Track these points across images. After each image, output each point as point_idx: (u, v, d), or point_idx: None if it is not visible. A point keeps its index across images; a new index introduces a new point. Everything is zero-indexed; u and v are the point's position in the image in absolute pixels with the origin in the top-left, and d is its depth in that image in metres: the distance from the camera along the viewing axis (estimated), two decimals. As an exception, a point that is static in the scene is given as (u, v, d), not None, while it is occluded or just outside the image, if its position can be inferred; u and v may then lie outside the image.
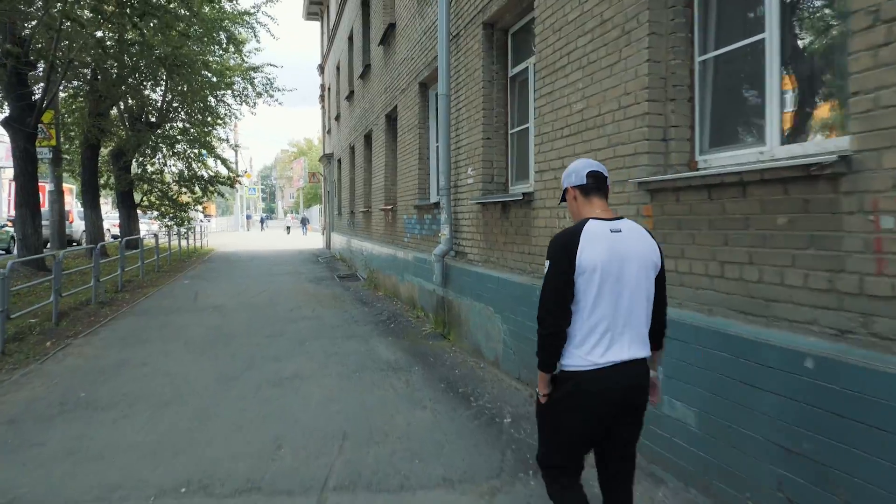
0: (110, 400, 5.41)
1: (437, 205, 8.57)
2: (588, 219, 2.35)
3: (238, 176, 24.35)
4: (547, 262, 2.33)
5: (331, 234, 24.38)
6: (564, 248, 2.28)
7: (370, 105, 14.30)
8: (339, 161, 21.52)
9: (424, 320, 8.88)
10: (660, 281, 2.43)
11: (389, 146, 12.58)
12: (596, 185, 2.44)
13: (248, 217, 60.26)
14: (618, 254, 2.27)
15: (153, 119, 20.79)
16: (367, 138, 15.36)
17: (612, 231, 2.30)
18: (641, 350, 2.35)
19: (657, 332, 2.48)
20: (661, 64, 3.72)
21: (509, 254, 5.97)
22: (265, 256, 22.71)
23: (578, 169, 2.47)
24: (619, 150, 4.02)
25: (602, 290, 2.26)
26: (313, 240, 35.17)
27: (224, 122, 24.22)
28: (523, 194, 5.55)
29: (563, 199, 2.57)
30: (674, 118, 3.70)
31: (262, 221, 59.81)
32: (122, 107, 20.86)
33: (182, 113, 22.15)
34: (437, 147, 9.36)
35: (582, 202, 2.45)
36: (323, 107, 27.43)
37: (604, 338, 2.27)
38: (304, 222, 50.28)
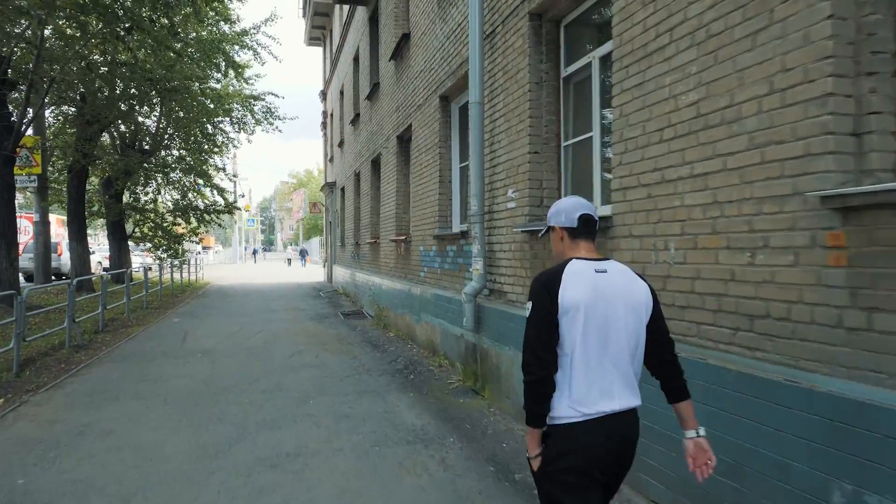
0: (53, 492, 4.09)
1: (464, 234, 7.34)
2: (571, 258, 2.25)
3: (235, 205, 23.19)
4: (529, 304, 2.18)
5: (333, 267, 23.13)
6: (546, 287, 2.15)
7: (378, 127, 13.17)
8: (343, 190, 20.38)
9: (449, 370, 7.57)
10: (658, 322, 2.26)
11: (401, 170, 11.41)
12: (585, 230, 2.32)
13: (255, 252, 59.11)
14: (603, 294, 2.15)
15: (147, 146, 19.68)
16: (375, 163, 14.22)
17: (596, 271, 2.19)
18: (632, 398, 2.20)
19: (674, 378, 2.30)
20: (849, 21, 2.51)
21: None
22: (263, 291, 21.41)
23: (569, 209, 2.34)
24: (772, 151, 2.79)
25: (587, 332, 2.12)
26: (313, 272, 33.89)
27: (221, 151, 23.18)
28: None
29: (546, 233, 2.46)
30: (874, 101, 2.47)
31: (254, 253, 58.47)
32: (114, 133, 19.83)
33: (178, 140, 21.09)
34: (462, 168, 8.18)
35: (568, 244, 2.34)
36: (325, 134, 26.42)
37: (593, 385, 2.12)
38: (303, 254, 49.75)
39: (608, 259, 2.29)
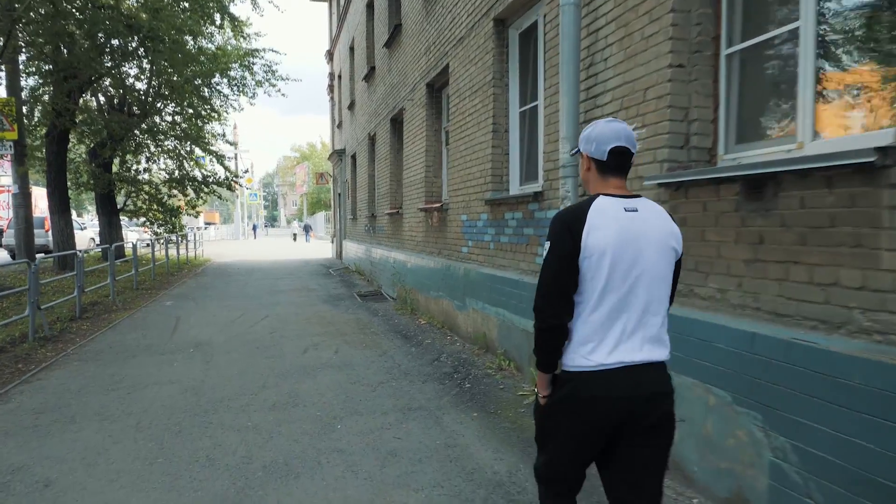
0: None
1: (536, 196, 5.54)
2: (598, 194, 2.02)
3: (237, 177, 21.34)
4: (546, 244, 1.99)
5: (342, 243, 21.34)
6: (568, 227, 1.94)
7: (400, 78, 11.27)
8: (354, 157, 18.51)
9: (516, 376, 5.81)
10: (676, 271, 2.06)
11: (432, 125, 9.55)
12: (617, 164, 2.04)
13: (255, 227, 57.18)
14: (632, 237, 1.93)
15: (136, 110, 17.77)
16: (396, 122, 12.35)
17: (626, 210, 1.97)
18: (658, 351, 2.00)
19: None
20: None
21: (773, 284, 2.90)
22: (267, 269, 19.64)
23: (601, 138, 2.04)
24: None
25: (612, 279, 1.92)
26: (319, 248, 32.11)
27: (220, 116, 21.26)
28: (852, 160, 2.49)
29: (577, 153, 2.17)
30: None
31: (254, 229, 56.50)
32: (99, 95, 17.94)
33: (171, 104, 19.17)
34: (524, 112, 6.34)
35: (595, 177, 2.09)
36: (331, 98, 24.45)
37: (610, 334, 1.94)
38: (307, 229, 48.32)
39: (639, 196, 2.04)
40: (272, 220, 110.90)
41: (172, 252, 19.38)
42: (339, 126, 22.28)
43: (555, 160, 5.18)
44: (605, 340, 1.94)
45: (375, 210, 14.68)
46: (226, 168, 20.79)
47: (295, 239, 47.14)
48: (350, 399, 5.19)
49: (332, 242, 25.06)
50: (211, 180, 20.70)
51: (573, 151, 2.24)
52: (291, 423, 4.61)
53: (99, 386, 5.70)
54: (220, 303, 11.38)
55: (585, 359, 1.95)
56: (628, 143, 2.04)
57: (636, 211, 1.98)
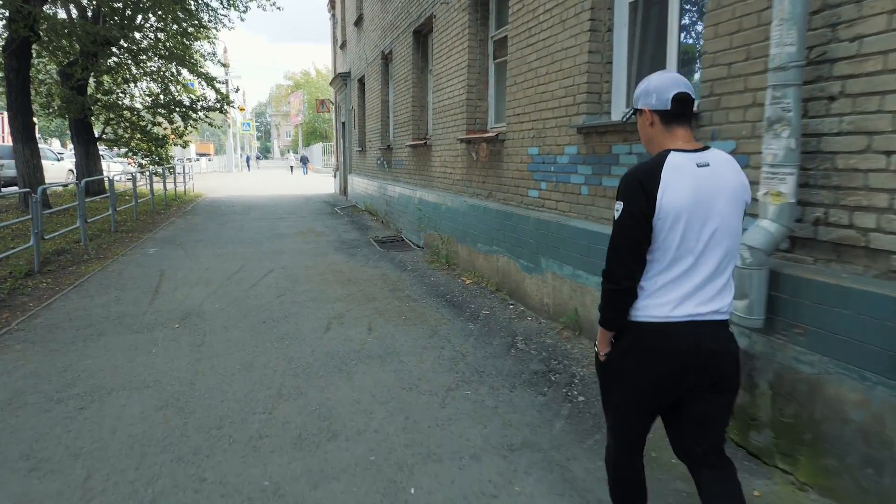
0: None
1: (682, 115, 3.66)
2: (669, 150, 1.90)
3: (229, 100, 19.10)
4: (620, 204, 1.89)
5: (348, 177, 19.35)
6: (642, 185, 1.84)
7: (430, -24, 9.12)
8: (362, 81, 16.32)
9: None
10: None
11: (475, 33, 7.53)
12: (681, 110, 1.95)
13: (248, 159, 54.56)
14: (706, 194, 1.86)
15: (112, 23, 15.40)
16: (420, 35, 10.24)
17: (698, 165, 1.88)
18: (725, 305, 1.94)
19: None
20: None
21: None
22: (265, 205, 17.72)
23: (661, 87, 1.96)
24: None
25: (686, 239, 1.86)
26: (319, 183, 30.06)
27: (208, 33, 18.87)
28: None
29: (632, 116, 2.12)
30: None
31: (247, 161, 53.95)
32: (70, 7, 15.56)
33: (152, 17, 16.76)
34: (634, 3, 4.40)
35: (660, 131, 1.97)
36: (333, 15, 21.92)
37: (680, 289, 1.89)
38: (305, 161, 46.29)
39: (709, 148, 1.95)
40: (265, 152, 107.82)
41: (158, 187, 17.41)
42: (343, 47, 19.90)
43: (728, 63, 3.28)
44: (674, 295, 1.89)
45: (392, 141, 12.68)
46: (217, 90, 18.53)
47: (292, 171, 45.62)
48: (413, 424, 3.46)
49: (335, 177, 23.04)
50: (200, 105, 18.50)
51: (627, 115, 2.14)
52: (332, 479, 2.88)
53: (39, 395, 3.94)
54: (213, 250, 9.55)
55: (655, 310, 1.90)
56: (688, 89, 1.96)
57: (708, 166, 1.89)
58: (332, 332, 5.23)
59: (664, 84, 1.97)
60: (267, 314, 5.80)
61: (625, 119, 2.43)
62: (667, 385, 1.96)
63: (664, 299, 1.90)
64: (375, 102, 14.15)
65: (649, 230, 1.86)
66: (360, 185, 16.43)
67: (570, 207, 5.18)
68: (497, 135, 6.56)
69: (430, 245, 9.24)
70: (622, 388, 2.04)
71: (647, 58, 4.69)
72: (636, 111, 2.07)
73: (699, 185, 1.85)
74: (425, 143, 9.49)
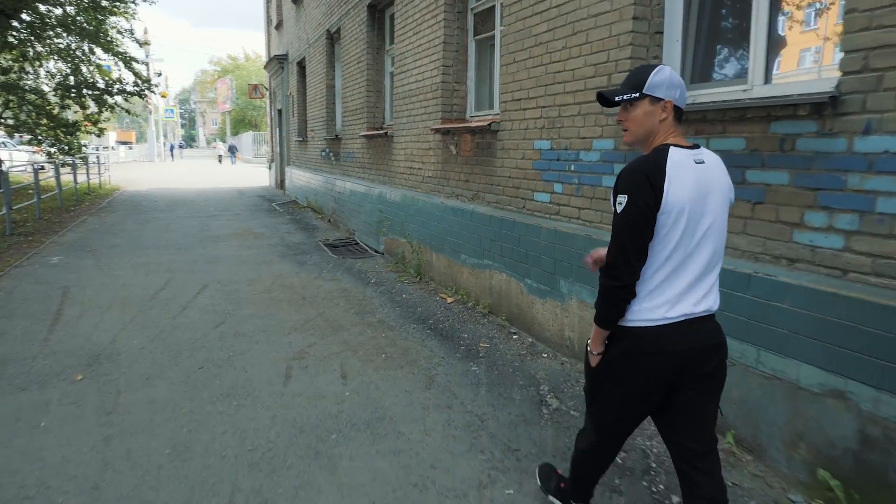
0: None
1: (816, 108, 2.59)
2: (668, 145, 1.88)
3: (150, 84, 17.13)
4: (623, 197, 1.83)
5: (285, 170, 17.75)
6: (648, 178, 1.79)
7: (392, -61, 7.84)
8: (302, 63, 14.81)
9: (753, 470, 2.96)
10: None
11: (451, 5, 6.35)
12: (682, 114, 2.00)
13: (172, 148, 51.21)
14: (704, 191, 1.86)
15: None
16: (376, 9, 8.96)
17: (696, 162, 1.88)
18: (714, 302, 1.95)
19: None
20: None
21: None
22: (193, 201, 15.96)
23: (682, 84, 1.97)
24: None
25: (685, 235, 1.84)
26: (251, 174, 28.15)
27: (125, 7, 16.88)
28: None
29: (632, 100, 1.95)
30: None
31: (171, 150, 50.73)
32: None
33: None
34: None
35: (668, 127, 1.94)
36: (267, -8, 20.17)
37: (675, 288, 1.87)
38: (233, 150, 43.96)
39: (699, 147, 1.95)
40: (190, 140, 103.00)
41: (68, 179, 15.39)
42: (279, 27, 18.23)
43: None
44: (669, 294, 1.87)
45: (340, 131, 11.31)
46: (136, 73, 16.57)
47: (220, 161, 43.65)
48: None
49: (270, 169, 21.32)
50: (117, 89, 16.50)
51: (631, 96, 1.94)
52: None
53: None
54: (132, 258, 7.99)
55: (650, 313, 1.88)
56: None
57: (703, 163, 1.89)
58: (296, 382, 3.95)
59: (681, 82, 1.95)
60: (204, 355, 4.45)
61: (623, 99, 1.98)
62: (662, 385, 1.93)
63: (660, 300, 1.86)
64: (319, 88, 12.71)
65: (653, 225, 1.80)
66: (301, 178, 14.93)
67: (601, 217, 4.07)
68: (489, 124, 5.38)
69: (392, 251, 7.99)
70: (616, 390, 2.00)
71: (713, 25, 3.63)
72: (641, 97, 1.93)
73: (699, 182, 1.83)
74: (385, 133, 8.21)
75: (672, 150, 1.86)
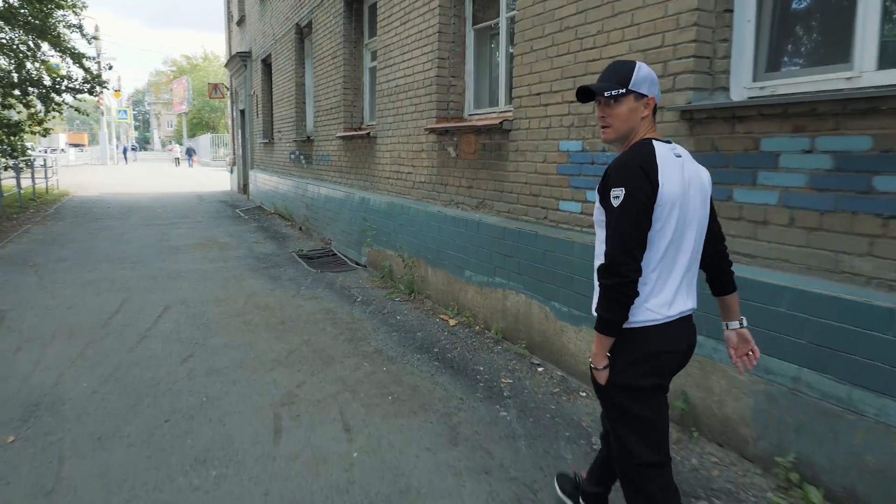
0: None
1: None
2: (650, 139, 1.87)
3: (102, 81, 15.97)
4: (620, 191, 1.76)
5: (249, 173, 16.78)
6: (646, 172, 1.76)
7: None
8: (267, 61, 13.92)
9: None
10: (713, 212, 2.03)
11: (455, -14, 5.67)
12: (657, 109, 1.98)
13: (125, 151, 49.09)
14: (687, 184, 1.85)
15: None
16: (354, 0, 8.22)
17: (675, 156, 1.87)
18: (694, 299, 1.96)
19: (726, 271, 2.09)
20: None
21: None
22: (149, 206, 14.89)
23: (657, 80, 1.96)
24: None
25: (677, 229, 1.83)
26: (210, 177, 26.94)
27: (73, 2, 15.73)
28: None
29: (618, 97, 1.89)
30: None
31: (124, 153, 48.67)
32: None
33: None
34: None
35: (648, 123, 1.93)
36: (228, -13, 19.15)
37: (670, 285, 1.85)
38: (190, 153, 42.60)
39: (672, 142, 1.94)
40: (144, 143, 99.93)
41: (10, 184, 14.18)
42: (241, 23, 17.26)
43: None
44: (667, 292, 1.85)
45: (312, 132, 10.50)
46: (85, 69, 15.42)
47: (178, 164, 42.53)
48: None
49: (231, 172, 20.26)
50: (65, 86, 15.32)
51: (618, 91, 1.89)
52: None
53: None
54: (81, 274, 7.06)
55: (653, 312, 1.83)
56: None
57: (681, 157, 1.89)
58: (288, 439, 3.19)
59: (656, 77, 1.94)
60: (170, 401, 3.65)
61: (609, 95, 1.89)
62: (666, 379, 1.92)
63: (660, 299, 1.83)
64: (287, 86, 11.86)
65: (651, 216, 1.77)
66: (268, 182, 14.01)
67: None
68: (500, 122, 4.69)
69: (377, 264, 7.24)
70: (646, 398, 1.88)
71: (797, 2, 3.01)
72: (627, 93, 1.90)
73: (682, 175, 1.82)
74: (367, 134, 7.45)
75: (657, 144, 1.83)
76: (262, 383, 3.92)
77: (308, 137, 10.50)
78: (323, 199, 9.47)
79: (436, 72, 5.81)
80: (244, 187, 17.85)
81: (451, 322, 5.28)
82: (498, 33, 5.43)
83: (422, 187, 6.19)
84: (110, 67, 17.01)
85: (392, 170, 6.89)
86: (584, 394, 3.77)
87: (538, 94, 4.34)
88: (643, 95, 1.90)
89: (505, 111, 5.02)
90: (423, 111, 6.05)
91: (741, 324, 2.08)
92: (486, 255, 4.95)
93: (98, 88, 16.34)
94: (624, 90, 1.89)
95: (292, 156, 11.66)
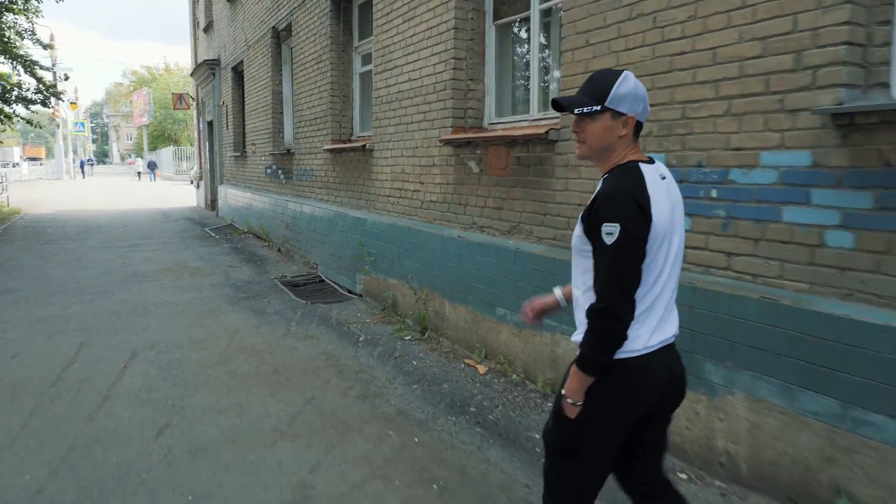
0: None
1: None
2: (636, 162, 1.73)
3: (57, 91, 14.82)
4: (615, 227, 1.61)
5: (218, 189, 15.72)
6: (638, 203, 1.62)
7: None
8: (239, 69, 12.96)
9: None
10: None
11: (476, -26, 4.89)
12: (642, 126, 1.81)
13: (82, 164, 46.99)
14: (675, 208, 1.74)
15: None
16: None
17: (661, 178, 1.74)
18: (675, 324, 1.82)
19: None
20: None
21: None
22: (109, 225, 13.74)
23: (646, 98, 1.77)
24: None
25: (666, 257, 1.71)
26: (174, 192, 25.68)
27: (26, 4, 14.61)
28: None
29: (592, 113, 1.73)
30: None
31: (81, 167, 46.62)
32: None
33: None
34: None
35: (627, 142, 1.76)
36: (193, -9, 18.11)
37: (655, 314, 1.72)
38: (153, 167, 41.23)
39: (655, 161, 1.80)
40: (103, 156, 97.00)
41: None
42: (208, 29, 16.24)
43: None
44: (652, 321, 1.72)
45: (293, 144, 9.59)
46: (38, 79, 14.28)
47: (140, 178, 41.63)
48: None
49: (199, 188, 19.12)
50: (15, 96, 14.16)
51: (592, 109, 1.71)
52: None
53: None
54: (29, 311, 6.04)
55: (634, 342, 1.69)
56: None
57: (665, 178, 1.76)
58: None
59: (645, 95, 1.77)
60: None
61: (580, 112, 1.74)
62: (638, 421, 1.78)
63: (644, 329, 1.71)
64: (262, 95, 10.93)
65: (645, 253, 1.66)
66: (240, 199, 13.00)
67: (780, 270, 2.65)
68: (546, 132, 3.89)
69: (376, 294, 6.37)
70: (604, 434, 1.77)
71: None
72: (603, 111, 1.72)
73: (669, 199, 1.72)
74: (363, 146, 6.59)
75: (643, 168, 1.71)
76: (263, 468, 3.03)
77: (288, 150, 9.59)
78: (307, 218, 8.56)
79: (451, 74, 5.00)
80: (212, 203, 16.76)
81: (481, 369, 4.44)
82: (528, 28, 4.65)
83: (433, 207, 5.36)
84: (66, 77, 15.90)
85: (394, 187, 6.05)
86: (684, 475, 2.96)
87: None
88: (621, 114, 1.72)
89: (545, 119, 4.23)
90: (435, 120, 5.24)
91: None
92: (527, 291, 4.12)
93: (53, 99, 15.23)
94: (599, 107, 1.72)
95: (269, 170, 10.72)
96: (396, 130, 5.92)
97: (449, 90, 5.03)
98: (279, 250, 9.88)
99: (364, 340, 5.21)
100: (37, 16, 15.29)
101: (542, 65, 4.59)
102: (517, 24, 4.91)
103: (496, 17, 4.95)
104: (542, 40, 4.59)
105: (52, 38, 34.30)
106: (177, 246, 10.60)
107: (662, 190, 1.70)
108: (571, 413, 1.75)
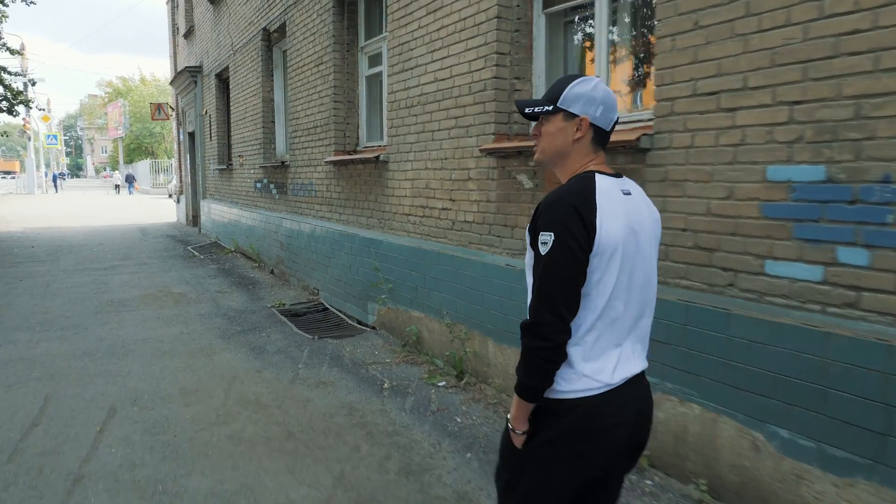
0: None
1: None
2: (593, 172, 1.56)
3: (26, 100, 13.80)
4: (549, 236, 1.45)
5: (200, 203, 14.75)
6: (578, 213, 1.44)
7: None
8: (223, 75, 12.09)
9: None
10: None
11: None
12: (608, 139, 1.63)
13: (55, 178, 45.36)
14: (635, 226, 1.54)
15: None
16: (353, -13, 6.60)
17: (623, 193, 1.56)
18: (643, 358, 1.64)
19: None
20: None
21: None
22: (83, 244, 12.71)
23: (608, 103, 1.59)
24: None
25: (619, 280, 1.50)
26: (152, 206, 24.59)
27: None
28: None
29: (545, 114, 1.60)
30: None
31: (54, 180, 44.99)
32: None
33: None
34: None
35: (584, 149, 1.59)
36: (173, -4, 17.20)
37: (613, 345, 1.53)
38: (130, 180, 40.19)
39: (622, 175, 1.62)
40: (77, 169, 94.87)
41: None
42: (189, 35, 15.34)
43: None
44: (609, 354, 1.52)
45: (288, 156, 8.74)
46: (6, 86, 13.27)
47: (118, 191, 40.50)
48: None
49: (179, 203, 18.11)
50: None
51: (544, 108, 1.60)
52: None
53: None
54: (-13, 355, 5.10)
55: (590, 380, 1.49)
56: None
57: (630, 194, 1.59)
58: None
59: (611, 101, 1.59)
60: None
61: (531, 112, 1.62)
62: (603, 468, 1.57)
63: (600, 363, 1.50)
64: (252, 102, 10.07)
65: (586, 268, 1.46)
66: (225, 215, 12.08)
67: None
68: (637, 138, 3.11)
69: (394, 327, 5.54)
70: (546, 478, 1.56)
71: None
72: (555, 111, 1.58)
73: (629, 216, 1.53)
74: (376, 158, 5.77)
75: (599, 178, 1.53)
76: None
77: (281, 163, 8.72)
78: (305, 237, 7.69)
79: (492, 72, 4.22)
80: (194, 219, 15.78)
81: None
82: (588, 16, 3.89)
83: (469, 229, 4.55)
84: (34, 83, 14.91)
85: (415, 204, 5.23)
86: None
87: (712, 93, 2.79)
88: (574, 115, 1.56)
89: (647, 120, 3.45)
90: (471, 126, 4.45)
91: None
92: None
93: (23, 109, 14.20)
94: (550, 107, 1.59)
95: (259, 184, 9.84)
96: (418, 139, 5.12)
97: (490, 91, 4.25)
98: (272, 272, 8.99)
99: (389, 388, 4.36)
100: (3, 20, 14.30)
101: (610, 59, 3.83)
102: (572, 11, 4.14)
103: (546, 4, 4.19)
104: (610, 28, 3.83)
105: (22, 46, 33.18)
106: (158, 267, 9.65)
107: (619, 205, 1.51)
108: (517, 442, 1.59)
